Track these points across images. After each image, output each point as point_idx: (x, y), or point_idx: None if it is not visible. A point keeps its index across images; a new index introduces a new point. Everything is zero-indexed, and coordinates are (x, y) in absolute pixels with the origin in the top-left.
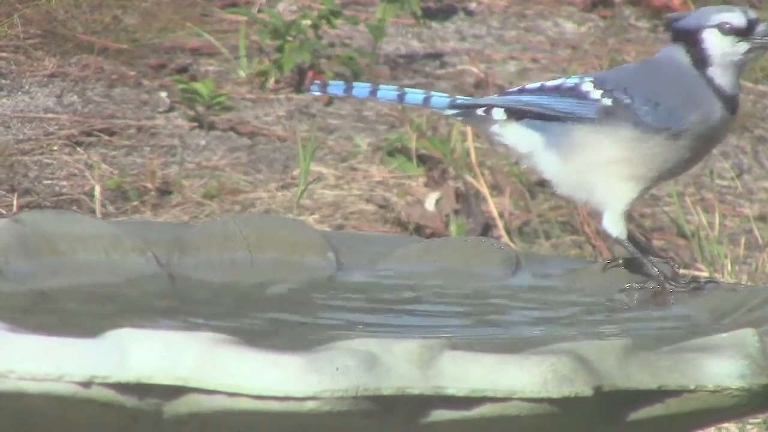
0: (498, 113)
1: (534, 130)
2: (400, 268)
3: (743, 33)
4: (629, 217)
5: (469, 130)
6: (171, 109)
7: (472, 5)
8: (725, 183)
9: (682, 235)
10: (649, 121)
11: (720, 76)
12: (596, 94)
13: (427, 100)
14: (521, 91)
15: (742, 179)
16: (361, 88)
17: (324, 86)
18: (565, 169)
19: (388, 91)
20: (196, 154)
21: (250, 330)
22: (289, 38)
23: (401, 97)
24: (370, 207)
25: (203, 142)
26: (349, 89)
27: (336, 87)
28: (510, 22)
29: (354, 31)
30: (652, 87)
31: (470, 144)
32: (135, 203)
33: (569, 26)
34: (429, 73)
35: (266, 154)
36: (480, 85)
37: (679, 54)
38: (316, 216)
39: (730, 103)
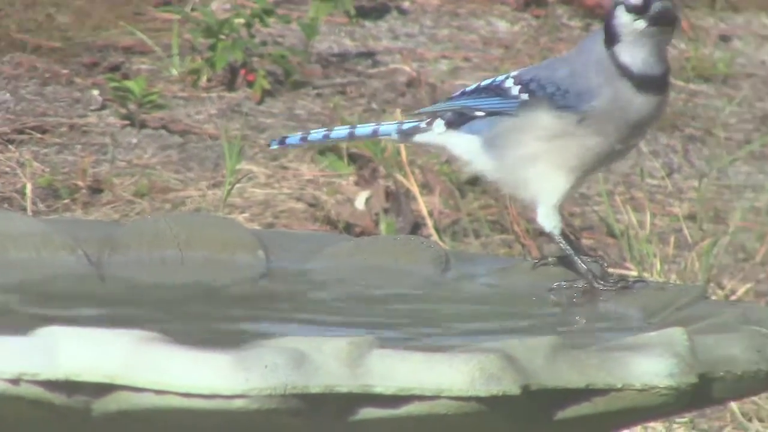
0: (439, 125)
1: (471, 134)
2: (330, 267)
3: (640, 10)
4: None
5: None
6: (103, 107)
7: (405, 4)
8: (655, 182)
9: (612, 234)
10: (560, 107)
11: (626, 53)
12: (516, 90)
13: (375, 131)
14: (461, 95)
15: (672, 178)
16: (316, 134)
17: (283, 140)
18: (501, 167)
19: (340, 131)
20: (127, 152)
21: (180, 328)
22: (222, 37)
23: (352, 134)
24: (300, 205)
25: (135, 140)
26: (305, 138)
27: (293, 138)
28: (443, 20)
29: (286, 29)
30: (563, 75)
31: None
32: (66, 201)
33: (502, 25)
34: (361, 72)
35: (197, 153)
36: (412, 84)
37: (598, 36)
38: (247, 214)
39: (641, 81)
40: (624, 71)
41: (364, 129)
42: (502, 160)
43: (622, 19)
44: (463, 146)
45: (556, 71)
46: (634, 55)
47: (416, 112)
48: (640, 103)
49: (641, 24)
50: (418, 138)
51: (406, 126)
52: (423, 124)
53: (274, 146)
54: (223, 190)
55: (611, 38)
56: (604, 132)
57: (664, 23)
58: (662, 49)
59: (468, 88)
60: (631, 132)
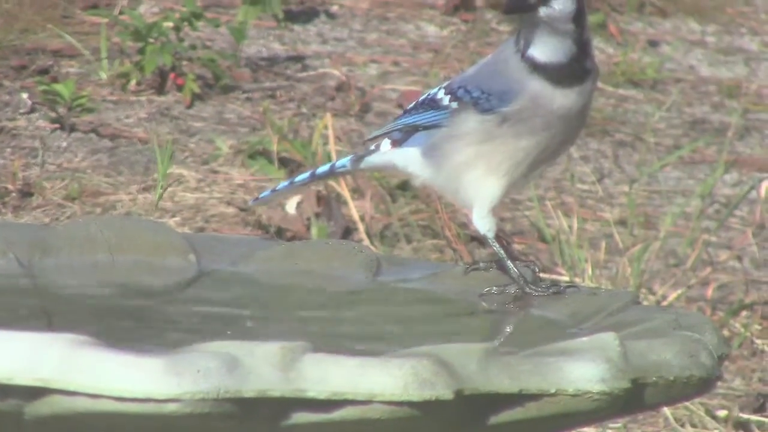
0: (385, 145)
1: (412, 147)
2: (262, 271)
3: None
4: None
5: (330, 132)
6: (32, 110)
7: (334, 8)
8: (586, 187)
9: (543, 239)
10: (485, 111)
11: (529, 47)
12: (446, 99)
13: (332, 167)
14: (404, 114)
15: (603, 183)
16: (283, 184)
17: (257, 198)
18: (440, 176)
19: (302, 176)
20: (57, 156)
21: (112, 332)
22: (151, 40)
23: (313, 175)
24: (231, 210)
25: (64, 144)
26: (274, 189)
27: (265, 193)
28: (372, 25)
29: (215, 33)
30: (484, 78)
31: (332, 147)
32: None
33: (431, 29)
34: (291, 76)
35: (127, 157)
36: (342, 88)
37: (513, 37)
38: (177, 218)
39: (552, 73)
40: (531, 65)
41: (323, 168)
42: (440, 168)
43: (524, 16)
44: (406, 160)
45: (478, 75)
46: (534, 46)
47: (368, 138)
48: (559, 97)
49: (534, 18)
50: (368, 161)
51: (359, 154)
52: (372, 147)
53: (254, 204)
54: (154, 194)
55: (518, 37)
56: (531, 131)
57: (514, 7)
58: (554, 42)
59: (409, 106)
60: (560, 128)
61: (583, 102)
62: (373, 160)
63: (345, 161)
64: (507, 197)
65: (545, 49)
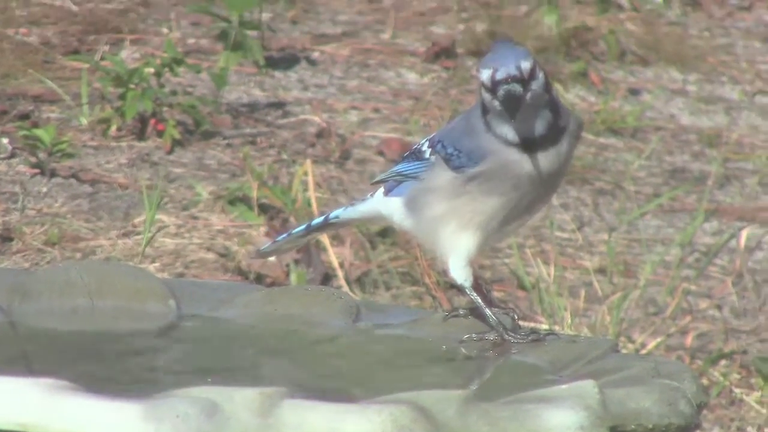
0: (379, 193)
1: (397, 197)
2: (242, 316)
3: (491, 91)
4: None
5: (310, 179)
6: (13, 155)
7: (315, 55)
8: (566, 235)
9: (523, 286)
10: (456, 167)
11: (496, 124)
12: (428, 152)
13: (326, 218)
14: (397, 162)
15: (583, 231)
16: (282, 236)
17: (259, 250)
18: (419, 228)
19: (299, 228)
20: (37, 201)
21: (91, 377)
22: (132, 86)
23: (309, 227)
24: (211, 255)
25: (45, 189)
26: (275, 240)
27: (266, 245)
28: (352, 71)
29: (196, 79)
30: (457, 135)
31: (311, 193)
32: None
33: (412, 77)
34: (271, 122)
35: (108, 202)
36: (322, 135)
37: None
38: (157, 264)
39: (519, 145)
40: (499, 138)
41: (318, 220)
42: (419, 220)
43: (484, 95)
44: (391, 210)
45: (453, 131)
46: (503, 126)
47: (371, 182)
48: (528, 162)
49: (495, 103)
50: (359, 210)
51: (354, 203)
52: (369, 195)
53: (255, 257)
54: (134, 239)
55: (484, 108)
56: (500, 191)
57: (510, 106)
58: (533, 118)
59: (405, 154)
60: (531, 188)
61: (558, 162)
62: (362, 209)
63: (338, 212)
64: (484, 248)
65: (521, 128)
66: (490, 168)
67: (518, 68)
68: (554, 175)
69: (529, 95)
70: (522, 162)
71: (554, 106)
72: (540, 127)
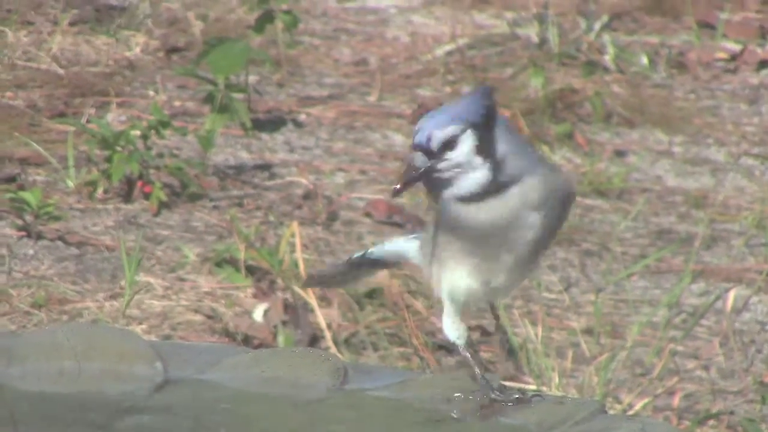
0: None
1: (417, 240)
2: (229, 378)
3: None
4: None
5: (297, 241)
6: None
7: (301, 117)
8: (553, 296)
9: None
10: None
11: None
12: None
13: (364, 254)
14: None
15: (570, 292)
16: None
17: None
18: (428, 271)
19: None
20: (24, 263)
21: None
22: (118, 148)
23: (349, 260)
24: (198, 317)
25: (31, 252)
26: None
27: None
28: (339, 133)
29: (183, 141)
30: None
31: (299, 255)
32: None
33: (398, 138)
34: (258, 184)
35: (94, 264)
36: (309, 197)
37: None
38: (144, 326)
39: (464, 198)
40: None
41: (358, 254)
42: (428, 264)
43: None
44: (410, 251)
45: None
46: (448, 188)
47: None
48: (473, 212)
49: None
50: (389, 248)
51: (371, 250)
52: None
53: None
54: (120, 301)
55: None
56: (470, 243)
57: (407, 175)
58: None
59: None
60: (496, 240)
61: (508, 214)
62: (393, 248)
63: (358, 257)
64: (475, 306)
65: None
66: (445, 220)
67: (429, 138)
68: (509, 228)
69: (441, 165)
70: (461, 212)
71: (496, 165)
72: (469, 185)
